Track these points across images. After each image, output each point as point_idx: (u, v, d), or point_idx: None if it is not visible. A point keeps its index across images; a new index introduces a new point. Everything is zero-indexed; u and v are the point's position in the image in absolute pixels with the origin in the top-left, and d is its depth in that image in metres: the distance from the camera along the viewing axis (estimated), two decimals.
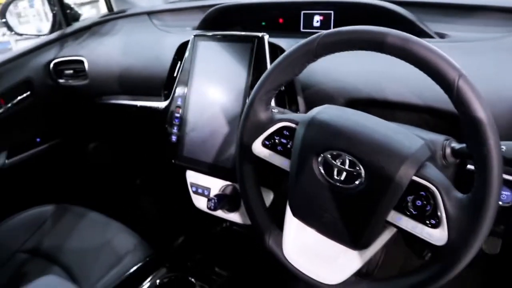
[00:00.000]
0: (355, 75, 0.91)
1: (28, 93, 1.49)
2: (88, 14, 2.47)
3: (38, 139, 1.57)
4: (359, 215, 0.63)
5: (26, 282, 1.01)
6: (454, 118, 0.74)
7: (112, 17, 1.59)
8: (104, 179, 1.82)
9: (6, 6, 1.60)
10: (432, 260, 0.60)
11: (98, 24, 1.59)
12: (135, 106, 1.33)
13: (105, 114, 1.55)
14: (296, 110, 0.97)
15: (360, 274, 0.69)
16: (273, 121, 0.73)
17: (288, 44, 1.01)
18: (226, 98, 1.01)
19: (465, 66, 0.55)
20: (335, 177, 0.64)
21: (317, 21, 1.21)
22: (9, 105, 1.46)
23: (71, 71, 1.51)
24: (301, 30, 1.21)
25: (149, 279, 1.13)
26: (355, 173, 0.62)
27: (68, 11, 1.63)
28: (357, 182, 0.62)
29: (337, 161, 0.63)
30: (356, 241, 0.64)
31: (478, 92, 0.53)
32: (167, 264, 1.21)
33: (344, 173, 0.63)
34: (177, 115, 1.08)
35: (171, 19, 1.51)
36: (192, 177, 1.10)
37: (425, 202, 0.59)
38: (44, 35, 1.59)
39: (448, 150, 0.66)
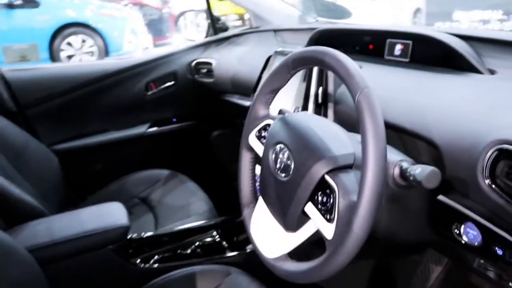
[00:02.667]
0: None
1: (173, 82, 1.94)
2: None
3: (174, 119, 2.00)
4: (285, 201, 0.77)
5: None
6: (434, 146, 0.80)
7: (248, 31, 1.92)
8: (216, 161, 2.16)
9: (179, 16, 2.09)
10: (324, 251, 0.68)
11: (236, 35, 1.94)
12: (244, 106, 1.63)
13: (226, 109, 1.88)
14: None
15: None
16: (263, 118, 0.93)
17: (371, 70, 1.15)
18: (284, 103, 1.22)
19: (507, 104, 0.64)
20: (277, 165, 0.80)
21: (398, 50, 1.31)
22: (158, 89, 1.93)
23: (205, 70, 1.90)
24: (385, 57, 1.33)
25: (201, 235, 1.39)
26: (288, 165, 0.77)
27: (218, 23, 2.04)
28: (287, 173, 0.77)
29: (281, 153, 0.80)
30: (284, 223, 0.78)
31: (373, 107, 0.62)
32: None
33: (282, 164, 0.79)
34: None
35: (290, 37, 1.76)
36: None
37: (327, 199, 0.68)
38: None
39: (396, 170, 0.73)
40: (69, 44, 5.93)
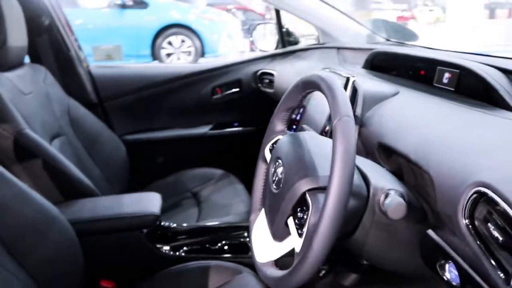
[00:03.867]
0: (389, 123, 1.04)
1: (237, 89, 2.06)
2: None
3: (235, 124, 2.12)
4: (273, 212, 0.83)
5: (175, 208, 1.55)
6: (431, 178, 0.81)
7: (313, 46, 1.98)
8: None
9: (254, 27, 2.20)
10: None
11: (302, 50, 2.01)
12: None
13: None
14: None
15: None
16: (278, 133, 0.99)
17: (420, 97, 1.17)
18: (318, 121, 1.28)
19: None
20: (273, 178, 0.87)
21: (446, 78, 1.30)
22: (223, 94, 2.06)
23: (267, 80, 1.99)
24: (434, 84, 1.33)
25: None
26: (280, 179, 0.83)
27: (289, 37, 2.12)
28: (278, 186, 0.83)
29: (278, 167, 0.86)
30: (273, 233, 0.84)
31: (347, 135, 0.66)
32: None
33: (276, 178, 0.85)
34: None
35: (351, 56, 1.80)
36: None
37: (303, 215, 0.73)
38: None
39: (382, 198, 0.76)
40: (169, 43, 6.39)
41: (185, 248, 1.34)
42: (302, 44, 2.11)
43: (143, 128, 2.07)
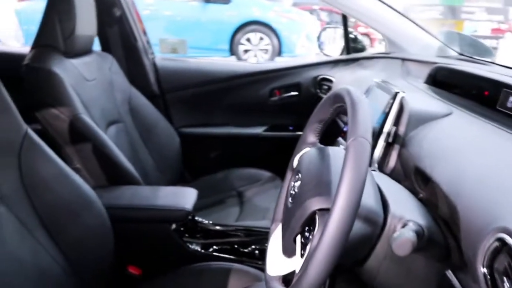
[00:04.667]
0: (430, 146, 0.97)
1: (296, 93, 2.04)
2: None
3: (290, 127, 2.10)
4: (285, 227, 0.80)
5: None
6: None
7: (377, 55, 1.91)
8: None
9: (321, 31, 2.17)
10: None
11: (366, 58, 1.94)
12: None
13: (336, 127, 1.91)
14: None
15: None
16: (308, 144, 0.96)
17: (474, 121, 1.09)
18: None
19: None
20: (290, 191, 0.84)
21: (510, 102, 1.20)
22: (281, 97, 2.05)
23: (326, 87, 1.95)
24: (497, 107, 1.23)
25: None
26: (295, 194, 0.80)
27: (356, 44, 2.06)
28: (292, 201, 0.80)
29: (297, 181, 0.83)
30: (283, 247, 0.81)
31: (360, 159, 0.62)
32: None
33: (293, 191, 0.83)
34: None
35: (415, 68, 1.70)
36: None
37: (309, 235, 0.70)
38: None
39: (398, 227, 0.72)
40: (248, 39, 6.48)
41: (214, 247, 1.35)
42: (367, 52, 2.04)
43: (199, 122, 2.12)
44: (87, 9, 1.54)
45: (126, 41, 1.96)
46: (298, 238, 0.74)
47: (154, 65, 2.06)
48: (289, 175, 1.00)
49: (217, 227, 1.43)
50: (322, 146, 0.90)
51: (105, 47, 1.95)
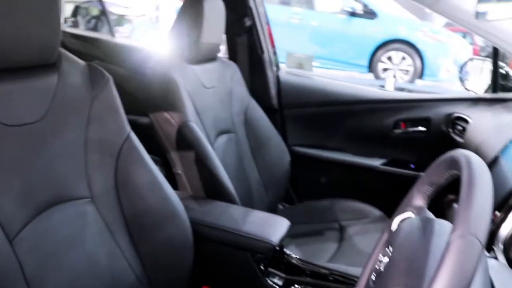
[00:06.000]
0: None
1: (424, 129, 1.83)
2: None
3: (412, 165, 1.89)
4: None
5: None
6: None
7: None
8: None
9: (466, 62, 1.93)
10: None
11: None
12: None
13: None
14: None
15: None
16: (412, 208, 0.81)
17: None
18: None
19: None
20: (375, 266, 0.71)
21: None
22: (407, 130, 1.86)
23: (460, 128, 1.70)
24: None
25: None
26: (380, 272, 0.67)
27: (504, 82, 1.77)
28: (375, 279, 0.68)
29: (385, 256, 0.70)
30: None
31: (461, 264, 0.47)
32: None
33: (378, 267, 0.69)
34: None
35: None
36: None
37: None
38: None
39: None
40: (389, 58, 6.18)
41: (296, 285, 1.24)
42: None
43: (314, 143, 2.02)
44: (217, 18, 1.54)
45: (253, 52, 1.94)
46: None
47: (277, 78, 2.02)
48: (384, 235, 0.86)
49: (305, 265, 1.32)
50: (428, 217, 0.75)
51: (232, 56, 1.96)
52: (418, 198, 0.81)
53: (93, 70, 1.02)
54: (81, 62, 1.02)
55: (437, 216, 0.77)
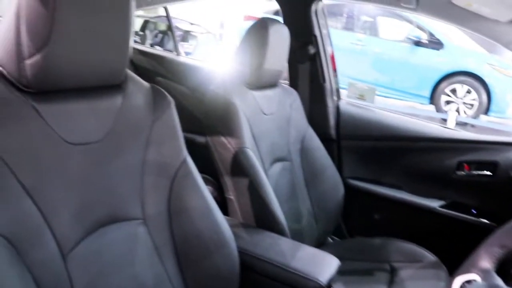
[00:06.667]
0: None
1: (490, 173, 1.72)
2: None
3: (473, 211, 1.78)
4: None
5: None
6: None
7: None
8: None
9: None
10: None
11: None
12: None
13: None
14: None
15: None
16: (478, 270, 0.75)
17: None
18: None
19: None
20: None
21: None
22: (471, 173, 1.76)
23: None
24: None
25: None
26: None
27: None
28: None
29: None
30: None
31: None
32: None
33: None
34: None
35: None
36: None
37: None
38: None
39: None
40: (453, 90, 5.96)
41: None
42: None
43: (370, 177, 1.95)
44: (281, 45, 1.54)
45: (314, 80, 1.92)
46: None
47: (337, 108, 1.98)
48: None
49: None
50: (497, 284, 0.69)
51: (293, 83, 1.95)
52: (486, 260, 0.75)
53: (156, 92, 1.04)
54: (146, 83, 1.04)
55: (506, 282, 0.71)
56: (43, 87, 0.82)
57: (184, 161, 1.04)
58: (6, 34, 0.80)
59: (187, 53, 4.80)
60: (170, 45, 7.30)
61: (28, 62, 0.78)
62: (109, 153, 0.93)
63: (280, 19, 1.78)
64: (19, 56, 0.78)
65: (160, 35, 7.42)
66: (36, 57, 0.78)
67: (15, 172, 0.77)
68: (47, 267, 0.80)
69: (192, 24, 7.70)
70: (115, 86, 0.96)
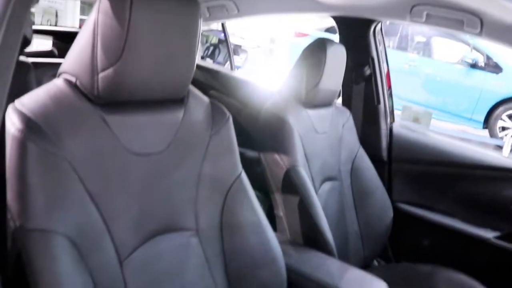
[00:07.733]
0: None
1: None
2: None
3: None
4: None
5: None
6: None
7: None
8: None
9: None
10: None
11: None
12: None
13: None
14: None
15: None
16: None
17: None
18: None
19: None
20: None
21: None
22: None
23: None
24: None
25: None
26: None
27: None
28: None
29: None
30: None
31: None
32: None
33: None
34: None
35: None
36: None
37: None
38: None
39: None
40: (510, 116, 5.73)
41: None
42: None
43: (420, 203, 1.91)
44: (337, 66, 1.55)
45: (368, 101, 1.91)
46: None
47: (390, 130, 1.96)
48: None
49: None
50: None
51: (346, 103, 1.95)
52: None
53: (215, 108, 1.07)
54: (205, 98, 1.07)
55: None
56: (111, 99, 0.87)
57: (239, 177, 1.06)
58: (82, 48, 0.85)
59: (237, 67, 4.88)
60: (220, 57, 7.46)
61: (101, 75, 0.83)
62: (168, 164, 0.96)
63: (331, 36, 1.79)
64: (93, 70, 0.83)
65: (211, 48, 7.60)
66: (108, 71, 0.83)
67: (82, 179, 0.82)
68: (105, 271, 0.84)
69: (242, 38, 7.83)
70: (177, 100, 0.99)
